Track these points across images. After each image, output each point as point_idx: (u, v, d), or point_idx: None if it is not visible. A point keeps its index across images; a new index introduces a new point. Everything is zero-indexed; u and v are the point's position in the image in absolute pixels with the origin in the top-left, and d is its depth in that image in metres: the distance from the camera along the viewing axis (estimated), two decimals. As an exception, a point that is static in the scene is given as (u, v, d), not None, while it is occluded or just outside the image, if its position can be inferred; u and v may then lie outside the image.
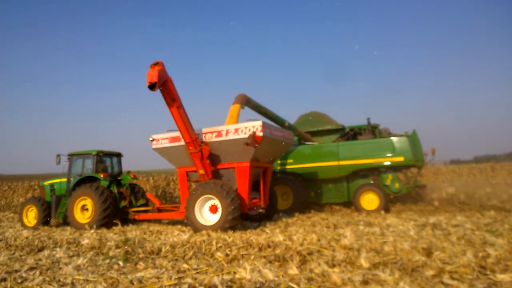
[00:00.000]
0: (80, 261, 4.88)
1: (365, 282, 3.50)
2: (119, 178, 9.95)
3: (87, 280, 4.06)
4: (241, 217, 7.90)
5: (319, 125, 11.62)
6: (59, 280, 4.13)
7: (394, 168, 10.35)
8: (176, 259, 4.88)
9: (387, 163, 10.16)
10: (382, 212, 9.71)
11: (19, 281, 4.18)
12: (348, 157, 10.54)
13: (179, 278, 3.95)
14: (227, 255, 4.82)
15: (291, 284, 3.53)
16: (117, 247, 5.81)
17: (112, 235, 7.08)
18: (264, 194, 8.43)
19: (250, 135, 7.10)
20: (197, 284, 3.68)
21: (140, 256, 5.19)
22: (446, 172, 16.45)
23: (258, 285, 3.55)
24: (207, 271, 4.17)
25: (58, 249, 5.94)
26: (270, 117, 10.26)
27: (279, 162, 11.38)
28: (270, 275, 3.73)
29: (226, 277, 3.86)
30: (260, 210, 8.65)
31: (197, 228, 7.12)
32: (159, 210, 8.95)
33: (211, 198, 7.24)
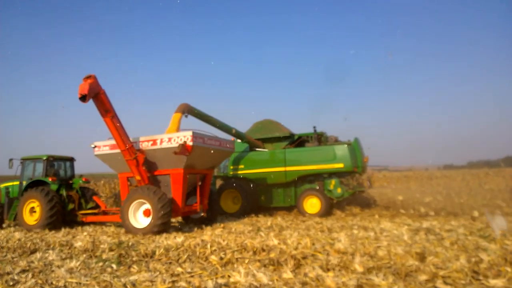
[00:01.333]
0: (73, 264, 4.84)
1: (359, 286, 3.51)
2: (71, 181, 10.36)
3: (80, 283, 4.02)
4: (185, 221, 9.23)
5: (270, 132, 12.18)
6: (52, 283, 4.09)
7: (337, 174, 10.92)
8: (170, 263, 4.85)
9: (329, 169, 10.81)
10: (376, 216, 9.78)
11: (11, 283, 4.13)
12: (293, 163, 11.17)
13: (173, 281, 3.93)
14: (221, 258, 4.81)
15: (285, 288, 3.52)
16: (111, 250, 5.77)
17: (106, 238, 7.03)
18: (203, 199, 8.94)
19: (179, 144, 7.62)
20: (191, 288, 3.67)
21: (134, 259, 5.16)
22: (440, 177, 16.59)
23: (252, 289, 3.54)
24: (201, 274, 4.16)
25: (50, 251, 5.88)
26: (216, 125, 10.77)
27: (231, 167, 12.01)
28: (264, 279, 3.72)
29: (220, 280, 3.84)
30: (202, 214, 9.16)
31: (130, 230, 7.58)
32: (105, 213, 9.35)
33: (144, 203, 7.68)
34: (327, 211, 10.51)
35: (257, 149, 12.08)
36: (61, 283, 4.07)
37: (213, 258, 4.78)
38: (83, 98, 6.91)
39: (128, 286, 3.82)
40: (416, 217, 9.61)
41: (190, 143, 7.72)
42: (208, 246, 5.43)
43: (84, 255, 5.53)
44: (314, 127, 11.61)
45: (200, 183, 8.88)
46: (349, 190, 10.97)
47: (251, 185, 11.67)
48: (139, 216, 7.81)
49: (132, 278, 4.10)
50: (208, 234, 6.96)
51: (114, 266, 4.73)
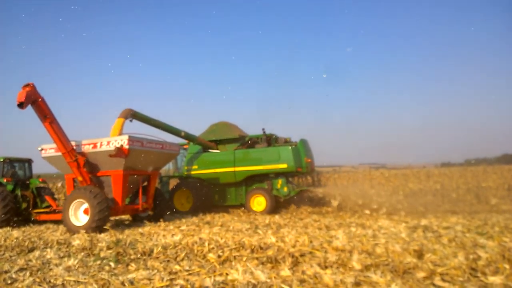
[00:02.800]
0: (70, 262, 4.82)
1: (357, 284, 3.52)
2: (28, 182, 10.94)
3: (78, 281, 4.01)
4: (133, 219, 10.01)
5: (224, 134, 12.78)
6: (50, 281, 4.08)
7: (285, 173, 11.51)
8: (168, 261, 4.84)
9: (274, 169, 11.42)
10: (374, 214, 9.81)
11: (9, 282, 4.12)
12: (242, 164, 11.82)
13: (171, 279, 3.92)
14: (219, 256, 4.80)
15: (283, 285, 3.53)
16: (108, 248, 5.76)
17: (104, 236, 7.01)
18: (148, 198, 9.60)
19: (116, 147, 8.20)
20: (189, 286, 3.67)
21: (132, 257, 5.15)
22: (437, 175, 16.60)
23: (250, 287, 3.54)
24: (199, 272, 4.15)
25: (48, 250, 5.86)
26: (163, 129, 11.44)
27: (186, 168, 12.70)
28: (262, 277, 3.72)
29: (218, 278, 3.84)
30: (149, 212, 9.89)
31: (70, 228, 8.06)
32: (56, 212, 9.77)
33: (83, 202, 8.15)
34: (272, 209, 11.17)
35: (210, 150, 12.72)
36: (59, 282, 4.06)
37: (211, 256, 4.78)
38: (21, 105, 7.49)
39: (126, 284, 3.81)
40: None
41: (126, 146, 8.32)
42: (206, 244, 5.42)
43: (82, 254, 5.52)
44: (263, 129, 12.27)
45: (146, 184, 9.62)
46: (296, 189, 11.72)
47: (203, 185, 12.30)
48: (80, 214, 8.31)
49: (130, 276, 4.10)
50: (206, 232, 6.95)
51: (112, 264, 4.71)
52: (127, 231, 7.70)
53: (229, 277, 3.81)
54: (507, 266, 3.81)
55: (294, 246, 5.07)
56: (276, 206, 11.63)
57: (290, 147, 11.37)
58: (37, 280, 4.12)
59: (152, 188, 9.74)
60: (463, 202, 13.13)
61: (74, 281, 4.05)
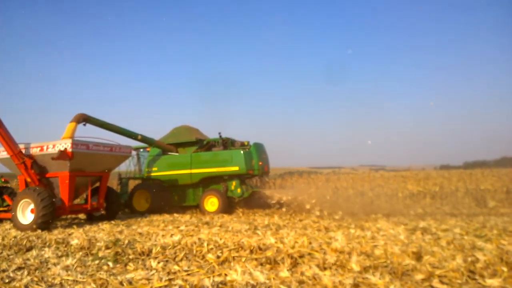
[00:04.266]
0: (69, 261, 4.82)
1: (356, 285, 3.52)
2: None
3: (76, 281, 4.01)
4: (88, 218, 10.55)
5: (184, 138, 13.38)
6: (47, 281, 4.07)
7: (237, 175, 12.08)
8: (167, 261, 4.84)
9: (227, 171, 12.04)
10: (372, 215, 9.83)
11: (7, 281, 4.11)
12: (198, 166, 12.45)
13: (170, 279, 3.92)
14: (218, 257, 4.80)
15: (282, 286, 3.53)
16: (107, 247, 5.75)
17: (102, 236, 7.01)
18: (100, 198, 10.15)
19: (59, 150, 8.71)
20: (187, 286, 3.66)
21: (130, 257, 5.14)
22: (436, 177, 16.62)
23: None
24: (198, 272, 4.15)
25: (46, 249, 5.85)
26: (119, 132, 12.04)
27: (146, 170, 13.35)
28: (261, 278, 3.72)
29: (217, 279, 3.84)
30: (102, 212, 10.54)
31: (18, 227, 8.47)
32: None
33: (30, 202, 8.54)
34: (224, 209, 11.72)
35: (170, 153, 13.31)
36: (57, 281, 4.06)
37: (210, 256, 4.78)
38: None
39: (124, 284, 3.81)
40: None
41: (70, 149, 8.78)
42: (205, 244, 5.42)
43: (80, 253, 5.51)
44: (220, 133, 12.89)
45: (98, 184, 10.22)
46: (249, 190, 12.28)
47: (161, 186, 12.86)
48: (28, 214, 8.69)
49: (128, 276, 4.09)
50: (205, 232, 6.96)
51: (110, 264, 4.71)
52: (126, 231, 7.68)
53: (228, 278, 3.81)
54: (505, 269, 3.81)
55: (293, 247, 5.07)
56: (230, 206, 12.28)
57: (241, 151, 11.98)
58: (35, 279, 4.11)
59: (103, 189, 10.23)
60: (461, 204, 13.16)
61: (72, 280, 4.04)
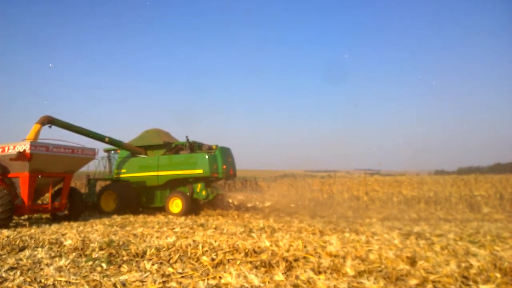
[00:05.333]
0: (62, 262, 4.78)
1: (350, 289, 3.52)
2: None
3: (69, 282, 3.97)
4: (52, 218, 10.85)
5: (154, 140, 13.68)
6: (40, 281, 4.03)
7: (202, 178, 12.45)
8: (161, 263, 4.81)
9: (191, 174, 12.44)
10: (367, 220, 9.86)
11: (-2, 281, 4.06)
12: (164, 168, 12.83)
13: (164, 282, 3.90)
14: (213, 259, 4.79)
15: (276, 290, 3.52)
16: (101, 249, 5.71)
17: (96, 237, 6.96)
18: (62, 199, 10.41)
19: (17, 152, 9.01)
20: (182, 289, 3.64)
21: (124, 258, 5.10)
22: (431, 183, 16.70)
23: (243, 291, 3.53)
24: (192, 275, 4.13)
25: (39, 249, 5.80)
26: (85, 135, 12.41)
27: (116, 171, 13.66)
28: (255, 281, 3.71)
29: (212, 282, 3.83)
30: (66, 212, 10.79)
31: None
32: None
33: None
34: (188, 211, 12.08)
35: (138, 155, 13.72)
36: (49, 282, 4.02)
37: (205, 259, 4.76)
38: None
39: (118, 286, 3.78)
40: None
41: (28, 151, 9.05)
42: (200, 246, 5.40)
43: (74, 254, 5.46)
44: (187, 136, 13.22)
45: (61, 185, 10.54)
46: (214, 193, 12.78)
47: (129, 188, 13.10)
48: None
49: (122, 277, 4.06)
50: (200, 234, 6.93)
51: (104, 265, 4.67)
52: (120, 232, 7.64)
53: (223, 281, 3.80)
54: (498, 275, 3.84)
55: (288, 251, 5.07)
56: (195, 208, 12.67)
57: (206, 155, 12.37)
58: (28, 279, 4.07)
59: (65, 189, 10.51)
60: (455, 210, 13.26)
61: (65, 281, 4.01)
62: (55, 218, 10.79)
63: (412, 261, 4.46)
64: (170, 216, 11.57)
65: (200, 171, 12.27)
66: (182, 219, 10.71)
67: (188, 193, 12.64)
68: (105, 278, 4.04)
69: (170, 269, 4.33)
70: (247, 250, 5.17)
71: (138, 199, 13.37)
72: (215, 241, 5.89)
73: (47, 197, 10.71)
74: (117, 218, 10.96)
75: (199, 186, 12.62)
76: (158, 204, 13.30)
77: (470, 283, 3.70)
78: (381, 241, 6.00)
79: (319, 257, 4.79)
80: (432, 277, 3.81)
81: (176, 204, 12.31)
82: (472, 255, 4.81)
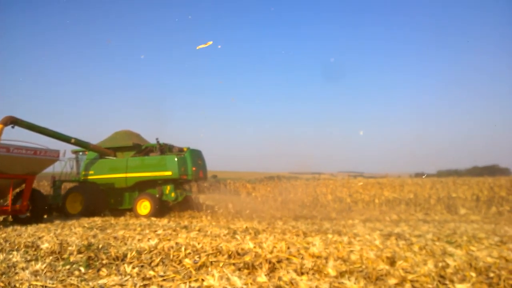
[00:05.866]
0: (38, 266, 4.63)
1: (332, 290, 3.56)
2: None
3: (45, 286, 3.86)
4: (14, 219, 10.74)
5: (121, 142, 13.69)
6: (15, 286, 3.90)
7: (171, 180, 12.49)
8: (142, 266, 4.74)
9: (160, 176, 12.47)
10: (350, 221, 10.00)
11: (-30, 287, 3.91)
12: (133, 170, 12.85)
13: (144, 285, 3.84)
14: (195, 262, 4.75)
15: (259, 292, 3.52)
16: (79, 252, 5.57)
17: (74, 239, 6.79)
18: (23, 201, 10.36)
19: None
20: (163, 291, 3.60)
21: (104, 262, 5.00)
22: (411, 185, 17.10)
23: (225, 293, 3.52)
24: (174, 278, 4.09)
25: (15, 252, 5.61)
26: (51, 136, 12.35)
27: (83, 173, 13.59)
28: (238, 283, 3.70)
29: (194, 284, 3.79)
30: (28, 214, 10.68)
31: None
32: None
33: None
34: (156, 213, 12.12)
35: (107, 157, 13.66)
36: (25, 286, 3.89)
37: (187, 261, 4.71)
38: None
39: (97, 290, 3.70)
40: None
41: None
42: (183, 249, 5.35)
43: (51, 257, 5.31)
44: (157, 138, 13.24)
45: (23, 186, 10.48)
46: (183, 194, 12.83)
47: (96, 189, 13.04)
48: None
49: (101, 281, 3.98)
50: (183, 237, 6.87)
51: (82, 269, 4.56)
52: (100, 235, 7.48)
53: (205, 283, 3.77)
54: (473, 274, 3.96)
55: (271, 252, 5.08)
56: (164, 210, 12.68)
57: (175, 157, 12.40)
58: (1, 284, 3.93)
59: (27, 191, 10.42)
60: (434, 211, 13.62)
61: (41, 286, 3.89)
62: (16, 220, 10.63)
63: (392, 261, 4.55)
64: (153, 219, 11.42)
65: (169, 173, 12.29)
66: (165, 221, 10.58)
67: (157, 195, 12.56)
68: (83, 282, 3.95)
69: (151, 272, 4.26)
70: (230, 252, 5.15)
71: (106, 201, 13.22)
72: (199, 243, 5.84)
73: (7, 199, 10.56)
74: (98, 221, 10.73)
75: (168, 188, 12.64)
76: (127, 206, 13.26)
77: (447, 282, 3.80)
78: (363, 242, 6.09)
79: (302, 258, 4.82)
80: (410, 277, 3.89)
81: (144, 206, 12.33)
82: (449, 255, 4.94)
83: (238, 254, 5.12)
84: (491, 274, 3.97)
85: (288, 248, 5.45)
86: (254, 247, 5.46)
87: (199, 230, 8.09)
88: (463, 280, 3.84)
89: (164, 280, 4.04)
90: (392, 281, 3.80)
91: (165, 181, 12.61)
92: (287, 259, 4.78)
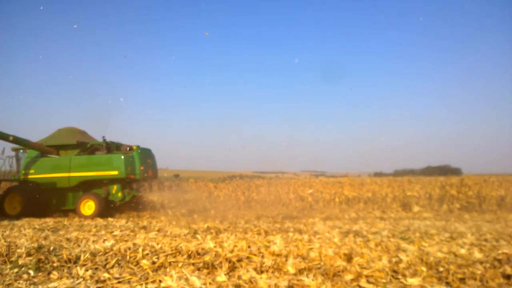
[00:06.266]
0: (-20, 271, 4.29)
1: (290, 287, 3.61)
2: None
3: (-13, 293, 3.58)
4: None
5: (65, 140, 13.18)
6: (-49, 294, 3.58)
7: (118, 180, 12.17)
8: (96, 268, 4.53)
9: (106, 175, 12.08)
10: (311, 219, 10.20)
11: None
12: (77, 169, 12.31)
13: (98, 288, 3.67)
14: (153, 263, 4.62)
15: (218, 291, 3.49)
16: (29, 254, 5.22)
17: (24, 241, 6.36)
18: None
19: None
20: (117, 294, 3.46)
21: (55, 264, 4.72)
22: (370, 183, 17.80)
23: (183, 294, 3.45)
24: (130, 280, 3.95)
25: (-46, 257, 5.15)
26: None
27: (23, 172, 12.81)
28: (197, 283, 3.64)
29: (151, 286, 3.69)
30: None
31: None
32: None
33: None
34: (101, 213, 11.76)
35: (49, 155, 13.01)
36: (-37, 293, 3.59)
37: (145, 262, 4.57)
38: None
39: (45, 295, 3.49)
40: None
41: None
42: (140, 250, 5.17)
43: (-4, 261, 4.94)
44: (104, 136, 12.83)
45: None
46: (130, 194, 12.48)
47: (36, 189, 12.37)
48: None
49: (51, 285, 3.76)
50: (141, 237, 6.65)
51: (31, 272, 4.28)
52: (52, 237, 7.07)
53: (162, 284, 3.68)
54: (424, 269, 4.18)
55: (232, 251, 5.05)
56: (109, 210, 12.26)
57: (122, 155, 12.03)
58: None
59: None
60: (390, 209, 14.27)
61: (-17, 292, 3.61)
62: None
63: (349, 258, 4.69)
64: (110, 219, 11.00)
65: (115, 172, 11.91)
66: (123, 221, 10.22)
67: (103, 195, 12.14)
68: (32, 286, 3.72)
69: (106, 275, 4.09)
70: (190, 252, 5.06)
71: (47, 202, 12.60)
72: (157, 244, 5.68)
73: None
74: (49, 222, 10.16)
75: (115, 188, 12.25)
76: (70, 207, 12.72)
77: (399, 276, 3.98)
78: (322, 240, 6.23)
79: (262, 256, 4.84)
80: (365, 272, 4.04)
81: (88, 206, 11.89)
82: (402, 250, 5.18)
83: (198, 254, 5.04)
84: (441, 269, 4.21)
85: (249, 247, 5.45)
86: (215, 246, 5.41)
87: (158, 231, 7.89)
88: (414, 274, 4.04)
89: (119, 282, 3.89)
90: (348, 276, 3.92)
91: (112, 180, 12.20)
92: (248, 258, 4.78)
